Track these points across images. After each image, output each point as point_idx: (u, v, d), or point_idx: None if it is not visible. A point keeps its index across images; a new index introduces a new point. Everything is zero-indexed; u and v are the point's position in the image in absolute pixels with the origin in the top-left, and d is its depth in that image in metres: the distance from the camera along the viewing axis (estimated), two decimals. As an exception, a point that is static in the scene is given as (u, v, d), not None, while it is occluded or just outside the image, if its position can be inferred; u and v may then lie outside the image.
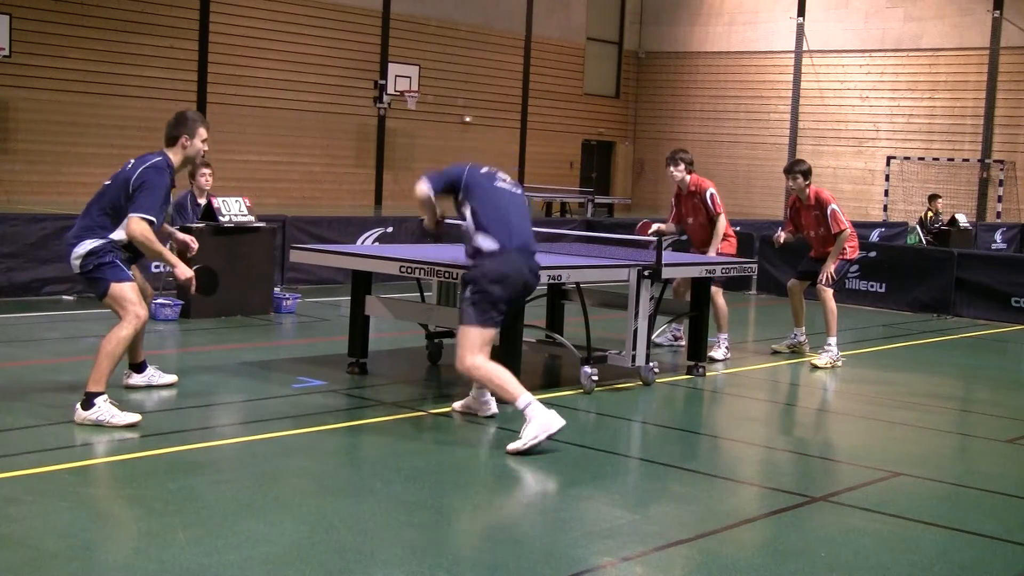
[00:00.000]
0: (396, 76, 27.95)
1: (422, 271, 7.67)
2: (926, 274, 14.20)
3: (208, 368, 8.45)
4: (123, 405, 6.68)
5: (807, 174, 10.13)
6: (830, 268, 9.99)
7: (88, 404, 6.47)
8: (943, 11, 30.17)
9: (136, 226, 6.61)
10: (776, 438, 7.66)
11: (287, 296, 11.65)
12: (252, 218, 11.28)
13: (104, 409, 6.47)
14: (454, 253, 8.59)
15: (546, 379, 8.95)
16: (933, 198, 22.23)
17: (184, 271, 6.90)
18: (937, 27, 30.26)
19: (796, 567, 4.75)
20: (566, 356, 8.86)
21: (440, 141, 29.71)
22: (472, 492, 5.61)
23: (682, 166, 10.13)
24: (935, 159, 30.12)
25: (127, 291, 6.67)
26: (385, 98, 27.88)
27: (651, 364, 8.51)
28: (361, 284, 8.41)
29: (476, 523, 5.10)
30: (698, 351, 9.12)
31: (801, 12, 32.09)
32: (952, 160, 29.93)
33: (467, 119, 30.48)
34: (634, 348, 8.27)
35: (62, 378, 7.71)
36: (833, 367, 9.83)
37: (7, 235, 11.51)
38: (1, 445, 5.98)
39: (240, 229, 11.14)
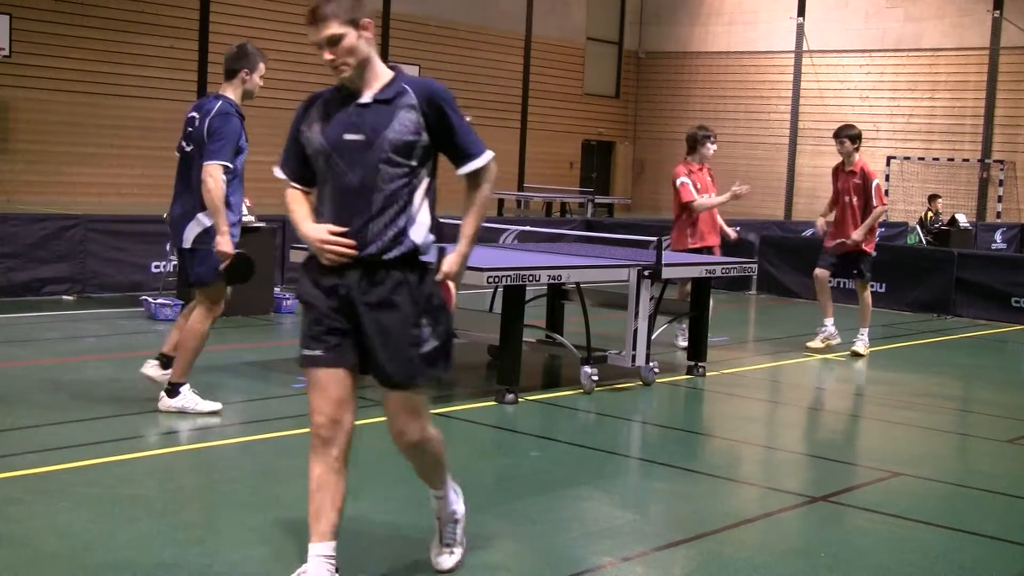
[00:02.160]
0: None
1: (422, 271, 7.65)
2: (926, 274, 14.20)
3: (208, 368, 8.44)
4: (123, 396, 6.68)
5: (855, 139, 10.39)
6: (860, 237, 10.21)
7: (173, 393, 6.71)
8: (943, 11, 30.16)
9: (212, 172, 6.53)
10: (776, 438, 7.66)
11: (287, 296, 11.65)
12: (252, 218, 11.28)
13: (188, 397, 6.72)
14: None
15: (546, 379, 8.95)
16: (933, 198, 22.24)
17: (227, 245, 6.65)
18: (937, 27, 30.26)
19: (796, 567, 4.75)
20: (566, 356, 8.86)
21: (440, 141, 29.71)
22: (472, 492, 5.60)
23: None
24: (935, 159, 30.11)
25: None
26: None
27: (651, 364, 8.51)
28: (361, 284, 8.40)
29: (476, 523, 5.10)
30: (698, 351, 9.12)
31: (801, 12, 32.08)
32: (952, 160, 29.93)
33: (467, 119, 30.46)
34: (634, 348, 8.27)
35: (62, 378, 7.70)
36: (867, 353, 10.16)
37: (7, 235, 11.51)
38: (1, 445, 5.98)
39: (240, 229, 11.11)
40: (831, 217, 10.68)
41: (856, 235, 10.18)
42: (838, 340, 10.43)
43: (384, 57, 28.27)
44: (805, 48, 32.05)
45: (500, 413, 7.37)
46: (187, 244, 6.75)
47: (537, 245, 10.62)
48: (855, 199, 10.29)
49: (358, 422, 7.06)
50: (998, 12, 29.25)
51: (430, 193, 4.08)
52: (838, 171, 10.53)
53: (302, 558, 4.51)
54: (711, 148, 10.33)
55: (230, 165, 6.63)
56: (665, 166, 34.38)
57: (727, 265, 9.52)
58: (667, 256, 8.85)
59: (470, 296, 10.46)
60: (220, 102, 6.78)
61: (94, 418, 6.64)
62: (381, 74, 4.06)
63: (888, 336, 12.54)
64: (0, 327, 9.93)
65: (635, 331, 8.23)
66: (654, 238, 8.92)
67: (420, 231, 4.00)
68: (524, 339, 7.90)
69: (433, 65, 28.98)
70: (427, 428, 4.26)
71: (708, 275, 9.13)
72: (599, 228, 17.43)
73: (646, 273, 8.22)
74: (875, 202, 10.24)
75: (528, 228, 13.93)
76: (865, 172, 10.35)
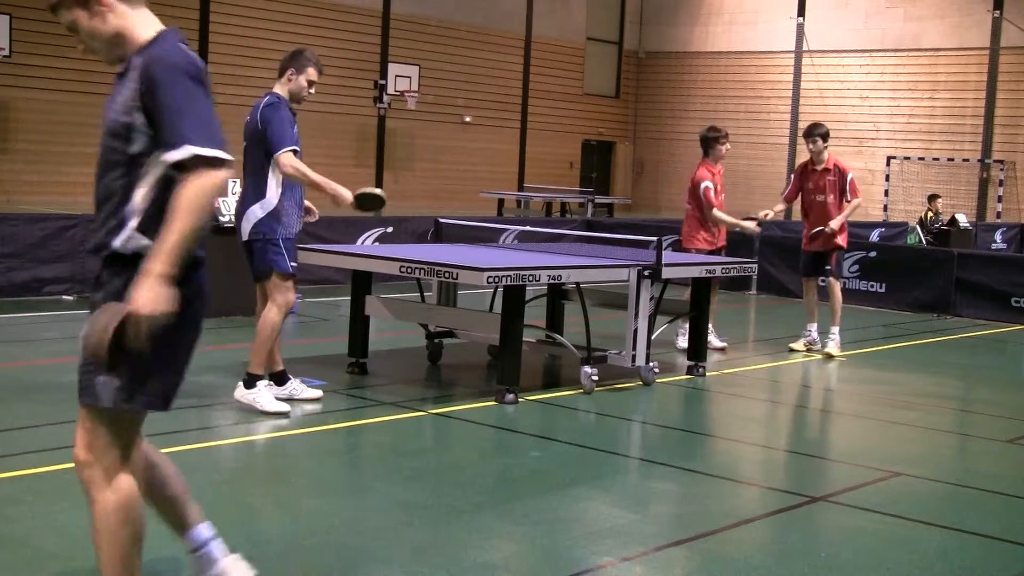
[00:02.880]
0: (396, 76, 27.95)
1: (422, 271, 7.67)
2: (926, 274, 14.20)
3: (208, 368, 8.44)
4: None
5: (826, 136, 10.40)
6: (837, 225, 10.19)
7: (251, 384, 6.91)
8: (943, 11, 30.16)
9: (284, 161, 6.72)
10: (776, 438, 7.66)
11: (287, 296, 11.64)
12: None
13: (262, 394, 6.90)
14: (455, 253, 8.60)
15: (546, 379, 8.95)
16: (933, 198, 22.23)
17: (345, 194, 6.91)
18: (937, 27, 30.26)
19: (796, 567, 4.75)
20: (566, 356, 8.86)
21: (440, 141, 29.72)
22: (472, 492, 5.61)
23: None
24: (935, 159, 30.12)
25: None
26: (385, 98, 27.87)
27: (651, 364, 8.51)
28: (361, 284, 8.41)
29: (476, 523, 5.10)
30: (698, 351, 9.12)
31: (801, 12, 32.08)
32: (952, 160, 29.93)
33: (467, 119, 30.47)
34: (634, 348, 8.27)
35: (62, 378, 7.70)
36: (842, 354, 10.03)
37: (7, 235, 11.51)
38: (1, 445, 5.98)
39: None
40: (779, 211, 10.79)
41: (834, 223, 10.18)
42: (818, 346, 10.44)
43: (384, 57, 28.05)
44: (805, 48, 32.05)
45: (500, 413, 7.37)
46: (245, 237, 6.93)
47: (537, 245, 10.62)
48: (830, 196, 10.28)
49: (358, 422, 7.08)
50: (998, 12, 29.25)
51: (161, 189, 3.27)
52: (806, 171, 10.47)
53: (302, 558, 4.52)
54: (723, 148, 10.27)
55: (297, 148, 6.81)
56: (665, 166, 34.44)
57: (727, 265, 9.52)
58: (667, 256, 8.85)
59: (470, 296, 10.47)
60: (268, 96, 6.96)
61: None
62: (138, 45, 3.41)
63: (888, 336, 12.54)
64: (0, 327, 9.93)
65: (635, 331, 8.23)
66: (654, 238, 8.91)
67: (126, 233, 3.30)
68: (524, 339, 7.90)
69: (433, 65, 28.98)
70: (102, 470, 3.45)
71: (708, 275, 9.13)
72: (599, 228, 17.42)
73: (646, 273, 8.22)
74: (851, 196, 10.29)
75: (528, 228, 13.95)
76: (840, 168, 10.36)
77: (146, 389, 3.48)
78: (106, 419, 3.50)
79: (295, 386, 7.29)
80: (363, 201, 7.01)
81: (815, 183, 10.36)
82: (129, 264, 3.29)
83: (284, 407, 6.95)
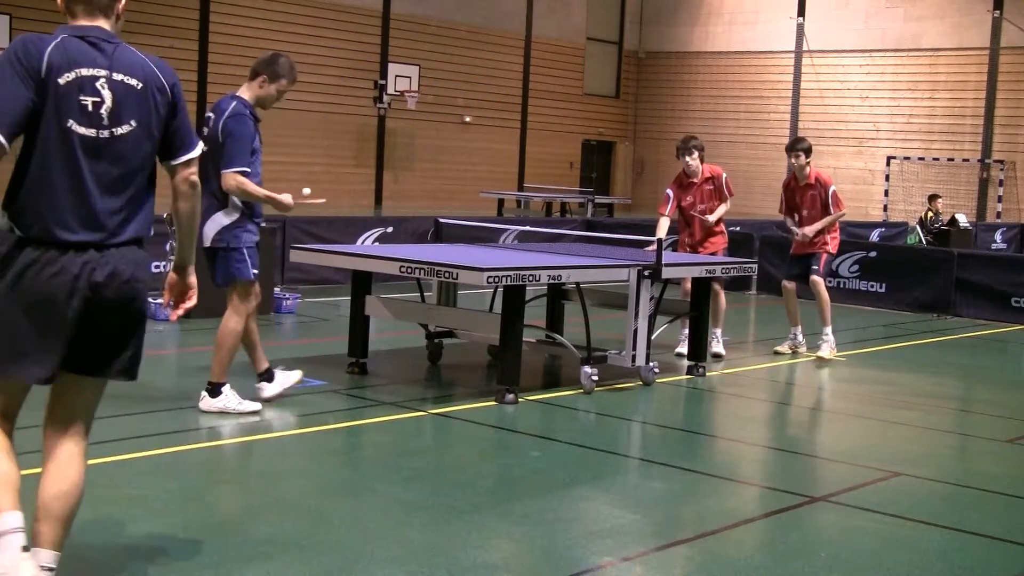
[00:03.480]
0: (396, 76, 27.96)
1: (422, 271, 7.67)
2: (926, 274, 14.20)
3: (208, 368, 8.43)
4: (123, 397, 6.68)
5: (808, 151, 10.27)
6: (812, 230, 10.10)
7: (215, 393, 6.82)
8: (943, 11, 30.17)
9: (231, 181, 6.64)
10: (776, 438, 7.66)
11: (287, 296, 11.65)
12: (252, 218, 11.26)
13: (230, 397, 6.83)
14: (455, 253, 8.60)
15: (546, 379, 8.95)
16: (933, 198, 22.24)
17: (289, 202, 6.90)
18: (937, 27, 30.27)
19: (796, 567, 4.75)
20: (566, 356, 8.86)
21: (440, 141, 29.72)
22: (472, 492, 5.61)
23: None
24: (935, 159, 30.12)
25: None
26: (385, 98, 27.88)
27: (651, 364, 8.51)
28: (361, 284, 8.41)
29: (476, 523, 5.10)
30: (698, 351, 9.12)
31: (801, 12, 32.09)
32: (952, 160, 29.94)
33: (467, 119, 30.48)
34: (634, 348, 8.27)
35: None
36: (835, 357, 9.88)
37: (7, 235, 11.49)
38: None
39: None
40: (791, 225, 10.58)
41: (808, 230, 10.08)
42: (805, 348, 10.39)
43: (384, 57, 28.12)
44: (805, 48, 32.06)
45: (500, 413, 7.37)
46: (207, 243, 6.81)
47: (537, 245, 10.62)
48: (813, 211, 10.14)
49: (358, 422, 7.07)
50: (998, 12, 29.26)
51: None
52: (790, 187, 10.33)
53: (302, 558, 4.52)
54: (687, 160, 9.91)
55: (247, 170, 6.71)
56: (665, 166, 34.41)
57: (727, 265, 9.51)
58: (667, 256, 8.85)
59: (470, 296, 10.47)
60: (235, 103, 6.81)
61: (93, 418, 6.64)
62: None
63: (888, 336, 12.54)
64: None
65: (635, 331, 8.23)
66: (654, 238, 8.91)
67: None
68: (524, 339, 7.90)
69: (433, 65, 28.98)
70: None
71: (708, 275, 9.13)
72: (599, 228, 17.43)
73: (646, 273, 8.22)
74: (834, 209, 10.09)
75: (528, 228, 13.95)
76: (821, 181, 10.19)
77: None
78: None
79: (229, 399, 6.85)
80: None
81: (801, 198, 10.24)
82: None
83: (256, 406, 6.90)
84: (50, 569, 3.77)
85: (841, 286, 14.29)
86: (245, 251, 6.85)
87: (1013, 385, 10.22)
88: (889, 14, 30.93)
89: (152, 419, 6.74)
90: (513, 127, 31.89)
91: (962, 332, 12.82)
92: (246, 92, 6.90)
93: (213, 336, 7.01)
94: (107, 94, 3.73)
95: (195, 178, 4.06)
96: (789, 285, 10.44)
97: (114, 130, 3.74)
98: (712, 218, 9.96)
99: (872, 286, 14.63)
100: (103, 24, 3.91)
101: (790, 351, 10.43)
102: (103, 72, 3.74)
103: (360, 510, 5.22)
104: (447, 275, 7.56)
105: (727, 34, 33.71)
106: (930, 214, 21.78)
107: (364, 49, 27.89)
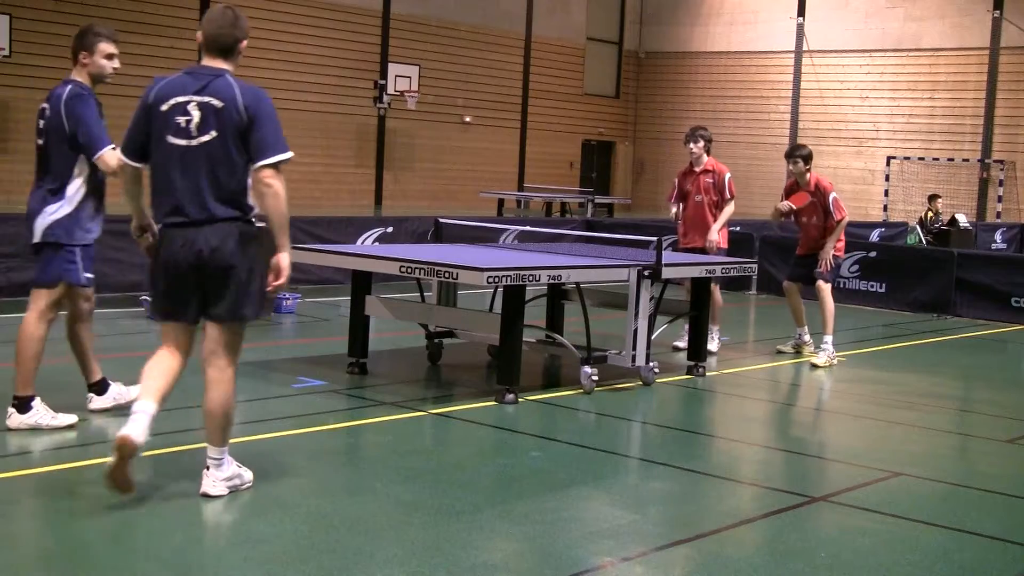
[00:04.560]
0: (396, 76, 27.95)
1: (422, 271, 7.67)
2: (926, 274, 14.20)
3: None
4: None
5: (808, 159, 10.21)
6: (828, 255, 10.07)
7: (24, 408, 6.25)
8: (943, 11, 30.17)
9: (110, 158, 6.11)
10: (776, 438, 7.66)
11: (287, 296, 11.65)
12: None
13: (41, 412, 6.28)
14: (455, 253, 8.60)
15: (546, 379, 8.95)
16: (933, 198, 22.24)
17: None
18: (937, 27, 30.27)
19: (796, 567, 4.75)
20: (566, 356, 8.86)
21: (440, 141, 29.71)
22: (472, 492, 5.61)
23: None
24: (935, 159, 30.13)
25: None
26: (385, 98, 27.87)
27: (651, 364, 8.51)
28: (361, 284, 8.41)
29: (476, 523, 5.10)
30: (698, 351, 9.12)
31: (801, 12, 32.10)
32: (952, 160, 29.94)
33: (467, 119, 30.48)
34: (634, 348, 8.27)
35: (62, 378, 7.69)
36: (830, 366, 9.85)
37: (7, 235, 11.50)
38: (1, 445, 5.97)
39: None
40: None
41: (827, 254, 10.03)
42: (811, 348, 10.37)
43: (384, 57, 28.23)
44: (805, 48, 32.07)
45: (500, 413, 7.37)
46: (36, 237, 6.32)
47: (537, 245, 10.62)
48: (814, 219, 10.12)
49: (358, 422, 7.08)
50: (998, 12, 29.26)
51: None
52: (791, 190, 10.30)
53: (302, 558, 4.52)
54: (690, 147, 10.29)
55: (113, 146, 6.06)
56: (665, 166, 34.42)
57: (727, 265, 9.51)
58: (667, 256, 8.85)
59: (470, 296, 10.47)
60: (70, 86, 6.27)
61: (94, 418, 6.65)
62: None
63: (888, 336, 12.54)
64: (0, 327, 9.92)
65: (635, 331, 8.23)
66: (654, 238, 8.91)
67: None
68: (524, 339, 7.90)
69: (433, 65, 28.98)
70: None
71: (708, 275, 9.13)
72: (599, 228, 17.43)
73: (646, 273, 8.22)
74: (836, 216, 10.02)
75: (528, 228, 13.95)
76: (820, 188, 10.10)
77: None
78: None
79: (40, 413, 6.28)
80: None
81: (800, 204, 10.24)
82: None
83: (71, 418, 6.34)
84: (213, 458, 5.27)
85: (841, 286, 14.27)
86: (78, 250, 6.32)
87: (1013, 385, 10.22)
88: (889, 14, 30.93)
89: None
90: (513, 127, 31.89)
91: (962, 332, 12.82)
92: (78, 75, 6.36)
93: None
94: (195, 113, 5.08)
95: (269, 180, 5.08)
96: (789, 286, 10.42)
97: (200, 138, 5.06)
98: (716, 226, 10.20)
99: (872, 286, 14.63)
100: (221, 63, 5.21)
101: (793, 350, 10.42)
102: (193, 97, 5.11)
103: (360, 510, 5.22)
104: (447, 275, 7.56)
105: (727, 34, 33.72)
106: (930, 214, 21.78)
107: (364, 49, 27.89)
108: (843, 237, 10.35)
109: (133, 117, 5.22)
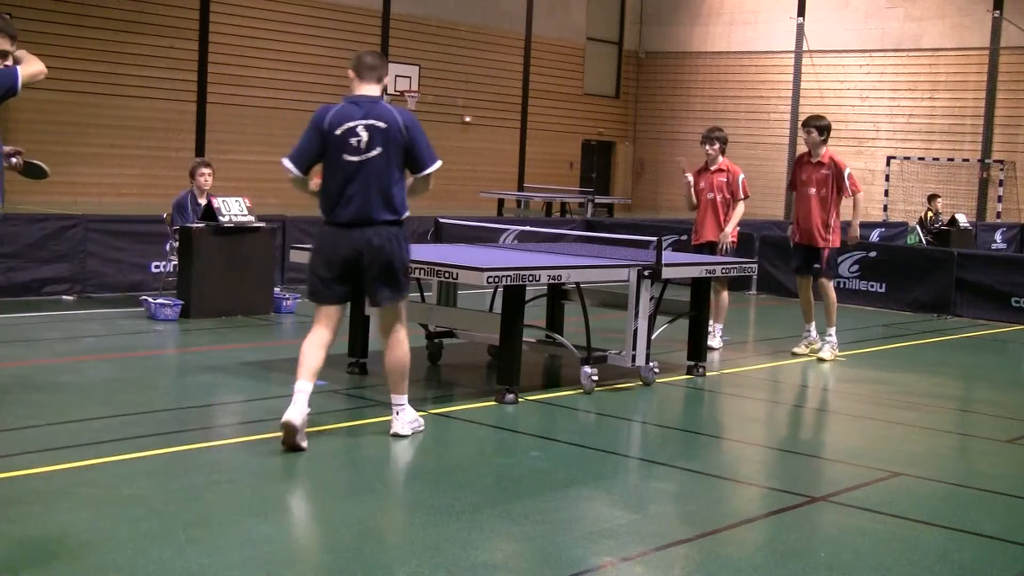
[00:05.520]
0: (396, 76, 27.93)
1: (422, 271, 7.67)
2: (926, 274, 14.20)
3: (208, 368, 8.45)
4: (123, 396, 6.67)
5: (823, 130, 10.14)
6: (856, 232, 10.38)
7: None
8: (943, 11, 30.16)
9: None
10: (776, 438, 7.66)
11: (287, 296, 11.65)
12: (252, 218, 11.28)
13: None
14: (455, 253, 8.60)
15: (546, 379, 8.95)
16: (933, 198, 22.23)
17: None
18: (937, 27, 30.26)
19: (796, 567, 4.75)
20: (566, 356, 8.86)
21: (440, 141, 29.49)
22: (472, 492, 5.61)
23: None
24: (935, 159, 30.12)
25: None
26: (385, 98, 27.82)
27: (651, 364, 8.51)
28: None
29: (476, 523, 5.10)
30: (698, 351, 9.12)
31: (801, 12, 32.09)
32: (952, 160, 29.94)
33: (467, 119, 30.47)
34: (634, 348, 8.27)
35: (62, 378, 7.70)
36: (836, 358, 9.88)
37: (7, 235, 11.51)
38: (1, 445, 5.98)
39: (240, 229, 11.14)
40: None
41: (855, 225, 10.24)
42: (818, 344, 10.35)
43: (384, 57, 27.91)
44: (805, 48, 32.06)
45: (500, 413, 7.37)
46: None
47: (537, 245, 10.62)
48: (821, 190, 10.05)
49: (358, 422, 7.08)
50: (998, 12, 29.25)
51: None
52: (803, 162, 10.29)
53: (302, 558, 4.52)
54: (706, 148, 10.59)
55: None
56: (665, 166, 34.41)
57: (727, 265, 9.51)
58: (667, 256, 8.85)
59: (470, 296, 10.46)
60: None
61: (94, 418, 6.65)
62: None
63: (888, 336, 12.54)
64: (0, 327, 9.93)
65: (635, 331, 8.23)
66: (654, 238, 8.91)
67: None
68: (524, 339, 7.90)
69: (433, 65, 28.97)
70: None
71: (708, 275, 9.13)
72: (599, 228, 17.43)
73: (646, 273, 8.22)
74: (853, 189, 10.03)
75: (528, 228, 13.94)
76: (835, 162, 10.10)
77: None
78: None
79: None
80: (30, 170, 6.76)
81: (808, 175, 10.17)
82: None
83: None
84: (399, 405, 6.51)
85: (841, 286, 14.26)
86: None
87: (1013, 385, 10.22)
88: (889, 14, 30.92)
89: (152, 419, 6.74)
90: (513, 127, 31.88)
91: (962, 332, 12.82)
92: None
93: (214, 336, 7.00)
94: (364, 134, 6.22)
95: (430, 184, 6.51)
96: (802, 281, 10.43)
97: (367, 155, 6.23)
98: (730, 226, 10.44)
99: (872, 286, 14.63)
100: (375, 91, 6.43)
101: (807, 350, 10.36)
102: (360, 121, 6.27)
103: (360, 510, 5.22)
104: (447, 275, 7.56)
105: (727, 34, 33.71)
106: (930, 214, 21.78)
107: (364, 49, 27.88)
108: (839, 227, 10.23)
109: (306, 138, 6.30)
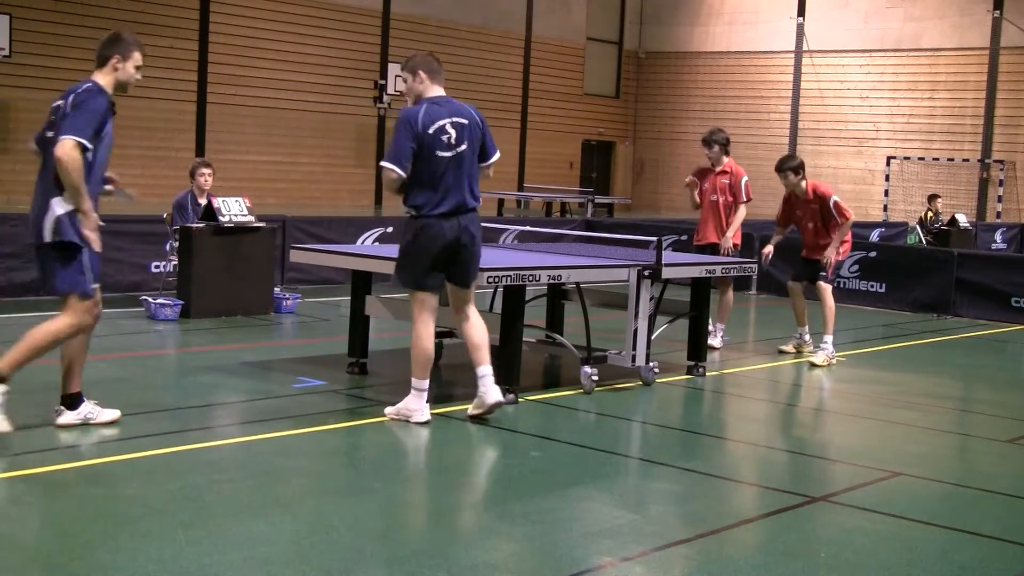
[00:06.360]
0: (396, 76, 27.94)
1: (422, 271, 7.66)
2: (926, 274, 14.20)
3: (208, 368, 8.45)
4: (123, 396, 6.67)
5: (797, 170, 10.13)
6: (832, 255, 10.08)
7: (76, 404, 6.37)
8: (943, 11, 30.17)
9: (67, 146, 5.87)
10: (776, 438, 7.66)
11: (287, 296, 11.65)
12: (252, 218, 11.28)
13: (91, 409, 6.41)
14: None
15: (546, 379, 8.95)
16: (933, 198, 22.23)
17: (92, 222, 6.06)
18: (937, 27, 30.27)
19: (796, 567, 4.75)
20: (566, 356, 8.86)
21: (440, 141, 29.71)
22: (472, 492, 5.61)
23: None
24: (935, 159, 30.13)
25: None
26: (385, 98, 27.88)
27: (651, 364, 8.51)
28: (361, 284, 8.41)
29: (476, 523, 5.10)
30: (698, 351, 9.12)
31: (801, 12, 32.10)
32: (952, 160, 29.94)
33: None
34: (634, 348, 8.27)
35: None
36: (829, 365, 9.85)
37: (7, 235, 11.51)
38: (1, 445, 5.98)
39: (240, 229, 11.14)
40: (778, 240, 10.53)
41: (831, 254, 10.02)
42: (811, 348, 10.36)
43: (384, 57, 28.31)
44: (805, 48, 32.07)
45: (500, 413, 7.36)
46: (47, 237, 6.02)
47: (537, 245, 10.63)
48: (818, 223, 10.10)
49: (358, 422, 7.08)
50: (998, 12, 29.26)
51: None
52: (792, 201, 10.31)
53: (302, 558, 4.52)
54: (707, 151, 10.56)
55: (87, 144, 5.95)
56: (665, 166, 34.45)
57: (727, 265, 9.51)
58: (667, 256, 8.85)
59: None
60: (89, 83, 6.22)
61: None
62: None
63: (888, 336, 12.54)
64: (0, 327, 9.92)
65: (635, 331, 8.23)
66: (654, 238, 8.91)
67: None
68: (524, 339, 7.90)
69: (433, 65, 28.95)
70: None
71: (708, 275, 9.13)
72: (599, 228, 17.43)
73: (646, 273, 8.22)
74: (840, 219, 9.98)
75: (528, 228, 13.95)
76: (819, 194, 10.06)
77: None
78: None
79: (89, 409, 6.43)
80: (119, 195, 6.77)
81: (801, 211, 10.25)
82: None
83: (115, 413, 6.48)
84: (487, 374, 6.95)
85: (841, 286, 14.27)
86: (85, 255, 6.08)
87: (1013, 385, 10.22)
88: (889, 14, 30.92)
89: (152, 419, 6.74)
90: (513, 127, 31.88)
91: (962, 332, 12.82)
92: (101, 78, 6.29)
93: (214, 336, 7.00)
94: (452, 131, 6.75)
95: (491, 172, 7.07)
96: (794, 285, 10.43)
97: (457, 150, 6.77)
98: (731, 231, 10.46)
99: (872, 286, 14.63)
100: (442, 89, 6.90)
101: (794, 350, 10.42)
102: (446, 120, 6.76)
103: (360, 510, 5.22)
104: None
105: (727, 34, 33.72)
106: (930, 214, 21.78)
107: (364, 49, 27.89)
108: (849, 238, 10.34)
109: (403, 140, 6.64)
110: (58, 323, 6.09)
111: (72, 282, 6.06)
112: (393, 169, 6.68)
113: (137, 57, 6.36)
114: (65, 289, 6.07)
